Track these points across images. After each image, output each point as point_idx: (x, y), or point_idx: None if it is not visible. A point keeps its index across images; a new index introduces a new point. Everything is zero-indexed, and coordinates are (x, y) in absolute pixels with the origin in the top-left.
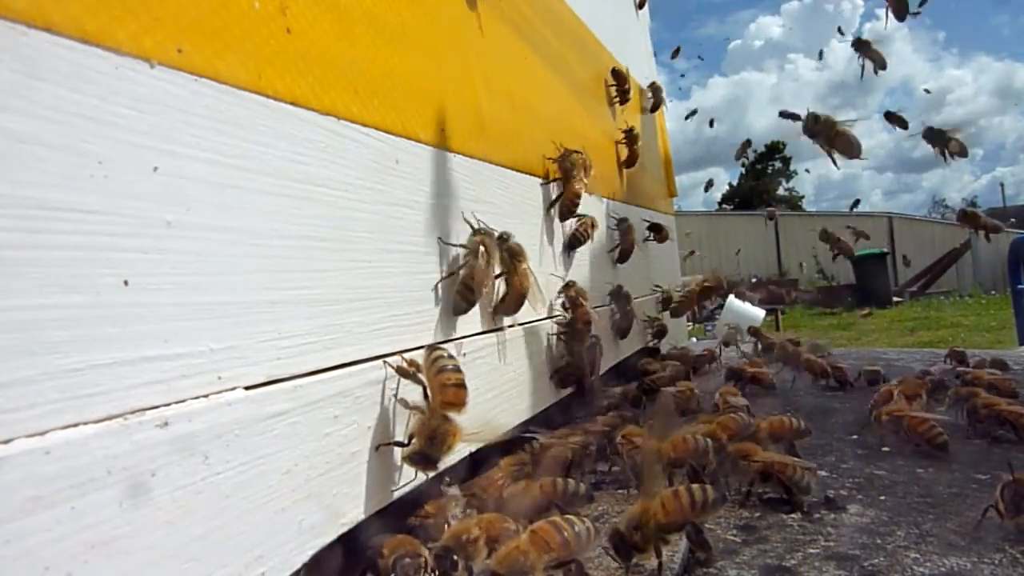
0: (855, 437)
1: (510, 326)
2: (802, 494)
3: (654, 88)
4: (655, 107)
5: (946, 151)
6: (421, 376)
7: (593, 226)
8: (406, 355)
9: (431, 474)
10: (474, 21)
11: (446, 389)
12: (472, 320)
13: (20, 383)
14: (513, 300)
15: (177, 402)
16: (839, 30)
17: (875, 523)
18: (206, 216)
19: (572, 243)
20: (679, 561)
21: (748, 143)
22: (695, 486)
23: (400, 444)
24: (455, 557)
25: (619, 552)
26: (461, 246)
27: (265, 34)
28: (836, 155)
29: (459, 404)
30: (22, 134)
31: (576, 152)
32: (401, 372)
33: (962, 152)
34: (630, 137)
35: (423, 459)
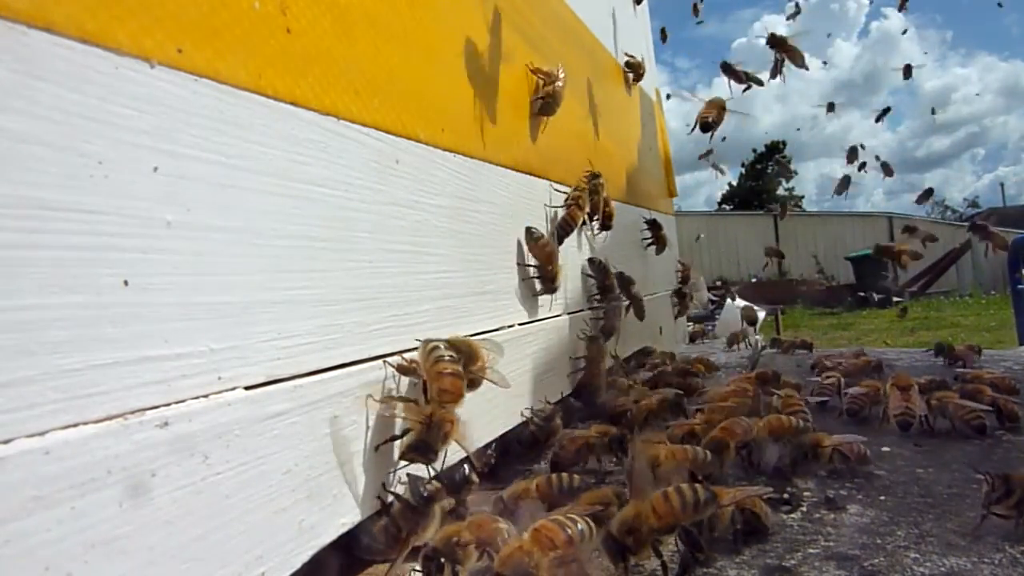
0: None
1: (510, 326)
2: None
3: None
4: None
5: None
6: (420, 371)
7: (580, 207)
8: (406, 355)
9: (430, 466)
10: (474, 21)
11: (442, 378)
12: (472, 320)
13: (20, 383)
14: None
15: (177, 402)
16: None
17: (875, 523)
18: (206, 216)
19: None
20: (679, 561)
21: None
22: (685, 486)
23: (396, 438)
24: (442, 560)
25: (613, 556)
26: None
27: (265, 34)
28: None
29: (456, 393)
30: (22, 134)
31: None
32: (401, 370)
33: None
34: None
35: (421, 448)
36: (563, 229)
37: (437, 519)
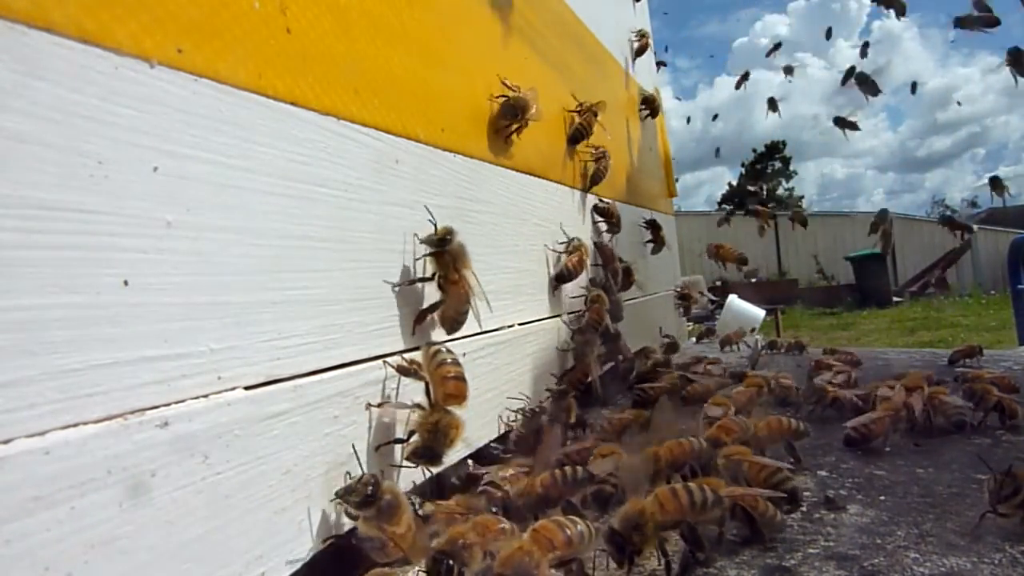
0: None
1: (510, 326)
2: (772, 530)
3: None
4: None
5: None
6: (422, 373)
7: (581, 261)
8: (406, 355)
9: (434, 470)
10: (474, 21)
11: (447, 382)
12: (472, 320)
13: (20, 383)
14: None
15: (177, 402)
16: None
17: (875, 523)
18: (206, 216)
19: (560, 278)
20: (679, 561)
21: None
22: (693, 484)
23: (400, 441)
24: (451, 562)
25: (617, 553)
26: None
27: (265, 34)
28: None
29: (460, 397)
30: (22, 134)
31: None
32: (402, 371)
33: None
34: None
35: (427, 454)
36: (579, 133)
37: (402, 507)
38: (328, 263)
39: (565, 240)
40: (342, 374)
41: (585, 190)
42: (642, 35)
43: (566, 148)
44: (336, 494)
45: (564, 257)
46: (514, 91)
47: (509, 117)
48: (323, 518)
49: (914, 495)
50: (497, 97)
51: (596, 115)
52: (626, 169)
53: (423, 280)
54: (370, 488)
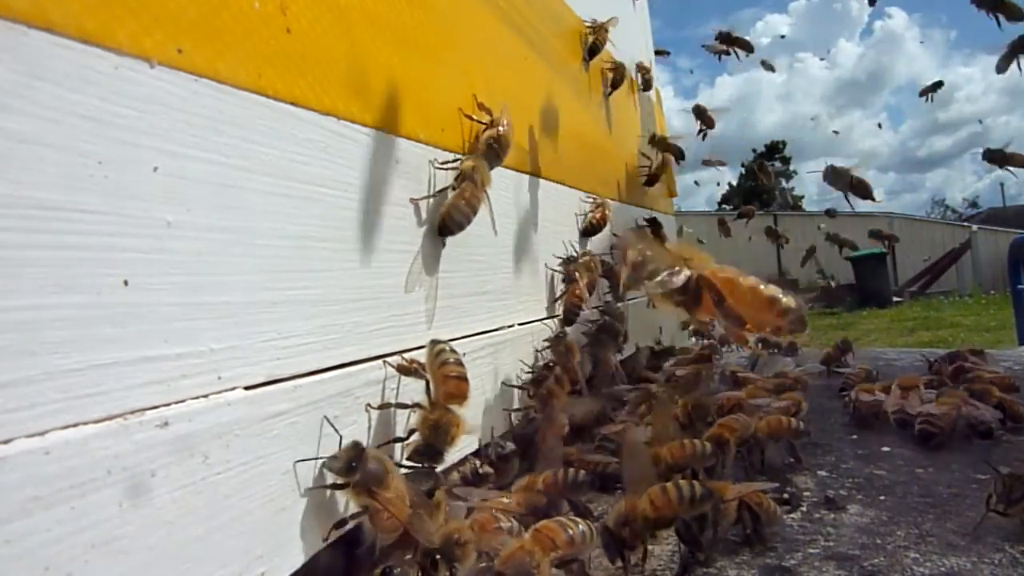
0: (855, 437)
1: (510, 326)
2: (772, 524)
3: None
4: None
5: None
6: (423, 372)
7: (604, 216)
8: (406, 355)
9: (437, 467)
10: (474, 21)
11: (448, 381)
12: (472, 320)
13: (20, 383)
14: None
15: (177, 402)
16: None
17: (875, 523)
18: (206, 216)
19: (587, 232)
20: (679, 561)
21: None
22: (683, 482)
23: (399, 440)
24: (437, 558)
25: (609, 549)
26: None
27: (265, 34)
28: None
29: (461, 396)
30: (22, 134)
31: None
32: (402, 370)
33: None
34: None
35: (428, 451)
36: (594, 48)
37: (389, 472)
38: (328, 263)
39: (592, 199)
40: (342, 374)
41: (606, 96)
42: (644, 69)
43: (583, 62)
44: (323, 465)
45: (589, 214)
46: (487, 115)
47: (497, 162)
48: (323, 518)
49: (914, 495)
50: (479, 140)
51: (607, 31)
52: (626, 169)
53: (448, 164)
54: (353, 452)
